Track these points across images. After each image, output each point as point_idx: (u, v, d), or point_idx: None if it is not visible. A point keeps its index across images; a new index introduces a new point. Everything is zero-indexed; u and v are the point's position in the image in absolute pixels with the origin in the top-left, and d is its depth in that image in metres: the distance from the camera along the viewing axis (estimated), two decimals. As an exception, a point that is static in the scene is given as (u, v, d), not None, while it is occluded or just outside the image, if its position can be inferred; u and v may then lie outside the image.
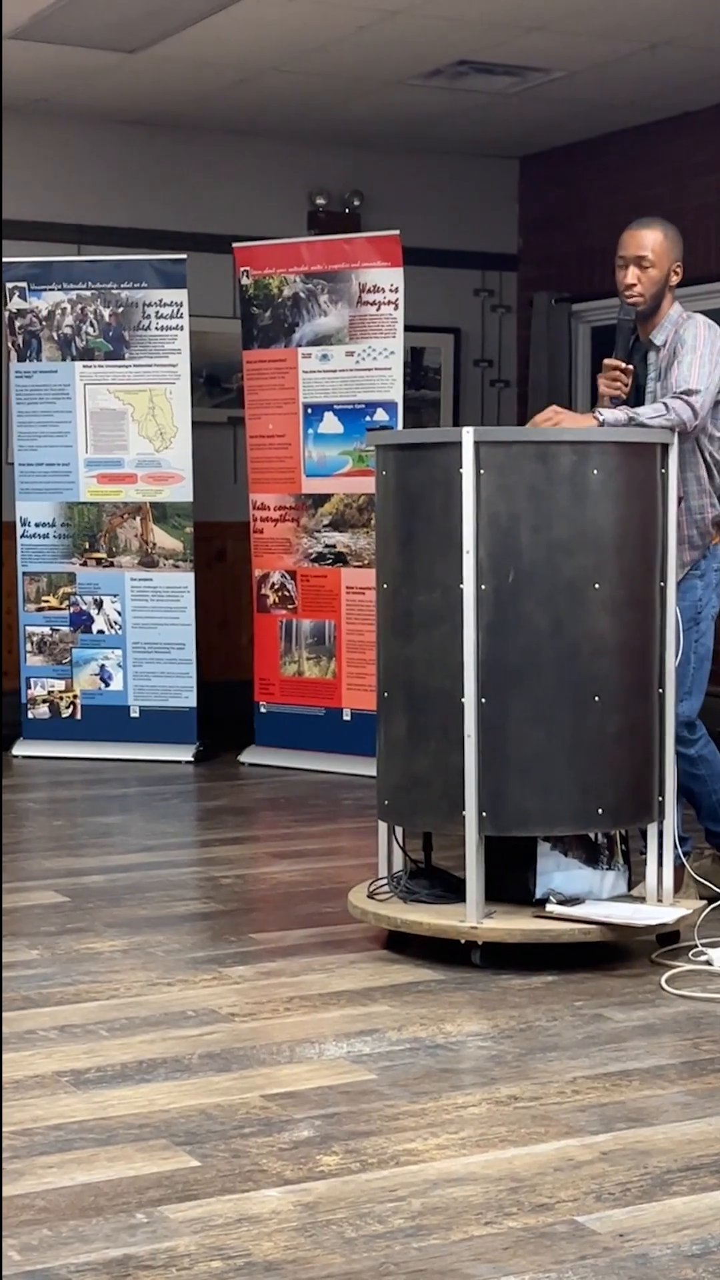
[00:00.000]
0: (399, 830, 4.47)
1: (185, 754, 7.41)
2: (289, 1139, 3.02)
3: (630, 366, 4.59)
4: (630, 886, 4.40)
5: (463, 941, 4.13)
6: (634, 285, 4.59)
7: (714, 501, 4.61)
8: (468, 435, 4.14)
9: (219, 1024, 3.69)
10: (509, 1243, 2.60)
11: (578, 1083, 3.33)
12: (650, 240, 4.59)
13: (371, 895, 4.41)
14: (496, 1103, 3.22)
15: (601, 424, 4.36)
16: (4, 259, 7.62)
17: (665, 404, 4.40)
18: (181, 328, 7.45)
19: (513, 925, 4.12)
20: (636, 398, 4.62)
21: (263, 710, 7.48)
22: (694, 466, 4.58)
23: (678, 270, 4.62)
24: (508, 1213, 2.71)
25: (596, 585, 4.16)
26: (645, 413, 4.39)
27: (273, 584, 7.46)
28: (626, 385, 4.55)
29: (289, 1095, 3.25)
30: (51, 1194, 2.78)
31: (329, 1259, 2.54)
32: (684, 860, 4.61)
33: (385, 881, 4.44)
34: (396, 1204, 2.74)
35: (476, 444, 4.13)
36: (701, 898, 4.56)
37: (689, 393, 4.41)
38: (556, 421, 4.40)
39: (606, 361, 4.62)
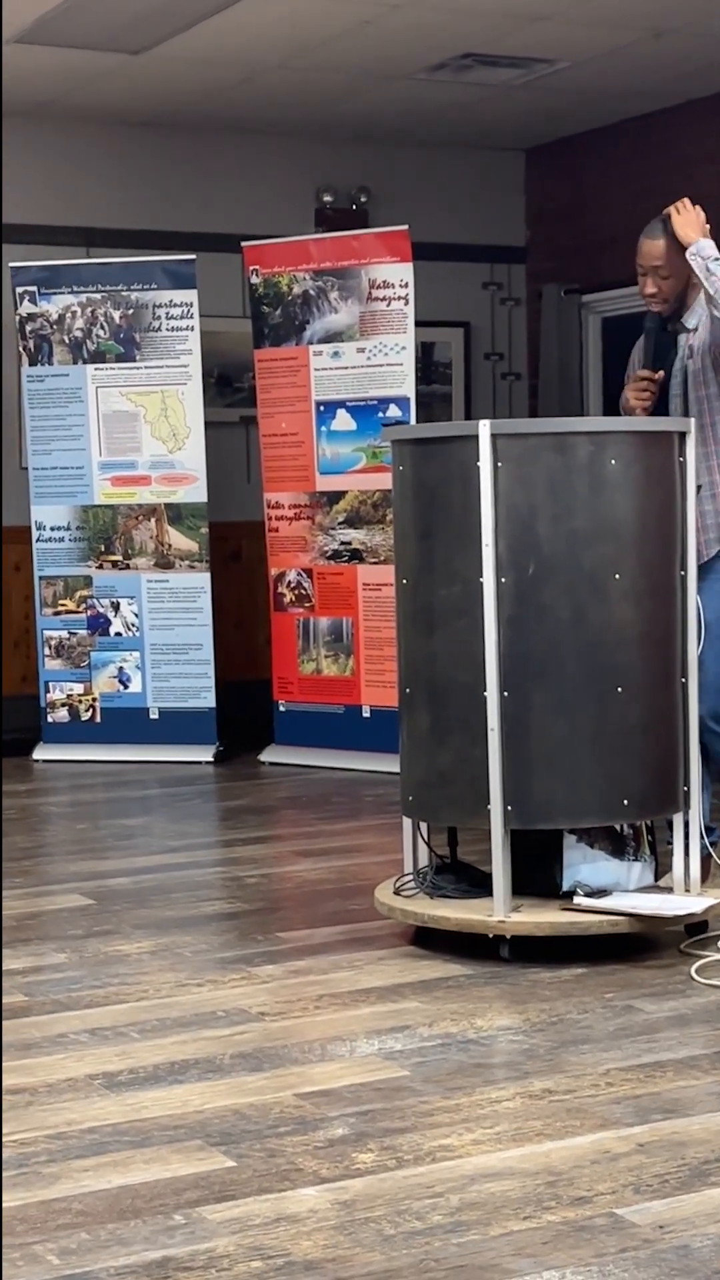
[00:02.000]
0: (424, 826, 4.46)
1: (205, 754, 7.41)
2: (324, 1137, 3.02)
3: (660, 374, 4.58)
4: (657, 877, 4.39)
5: (491, 936, 4.12)
6: (655, 294, 4.60)
7: None
8: (484, 428, 4.13)
9: (250, 1023, 3.69)
10: (549, 1237, 2.60)
11: (611, 1075, 3.32)
12: (662, 250, 4.58)
13: (398, 891, 4.40)
14: (530, 1096, 3.21)
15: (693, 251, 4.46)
16: (14, 264, 7.62)
17: None
18: (192, 328, 7.45)
19: (540, 918, 4.11)
20: (663, 397, 4.62)
21: (282, 709, 7.47)
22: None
23: None
24: (546, 1207, 2.71)
25: (617, 575, 4.15)
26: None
27: (289, 582, 7.45)
28: (655, 394, 4.55)
29: (323, 1094, 3.24)
30: (88, 1197, 2.77)
31: (369, 1256, 2.53)
32: (711, 850, 4.59)
33: (411, 877, 4.43)
34: (434, 1200, 2.74)
35: (493, 436, 4.12)
36: (729, 887, 4.54)
37: None
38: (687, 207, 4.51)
39: (638, 372, 4.61)
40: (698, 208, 4.56)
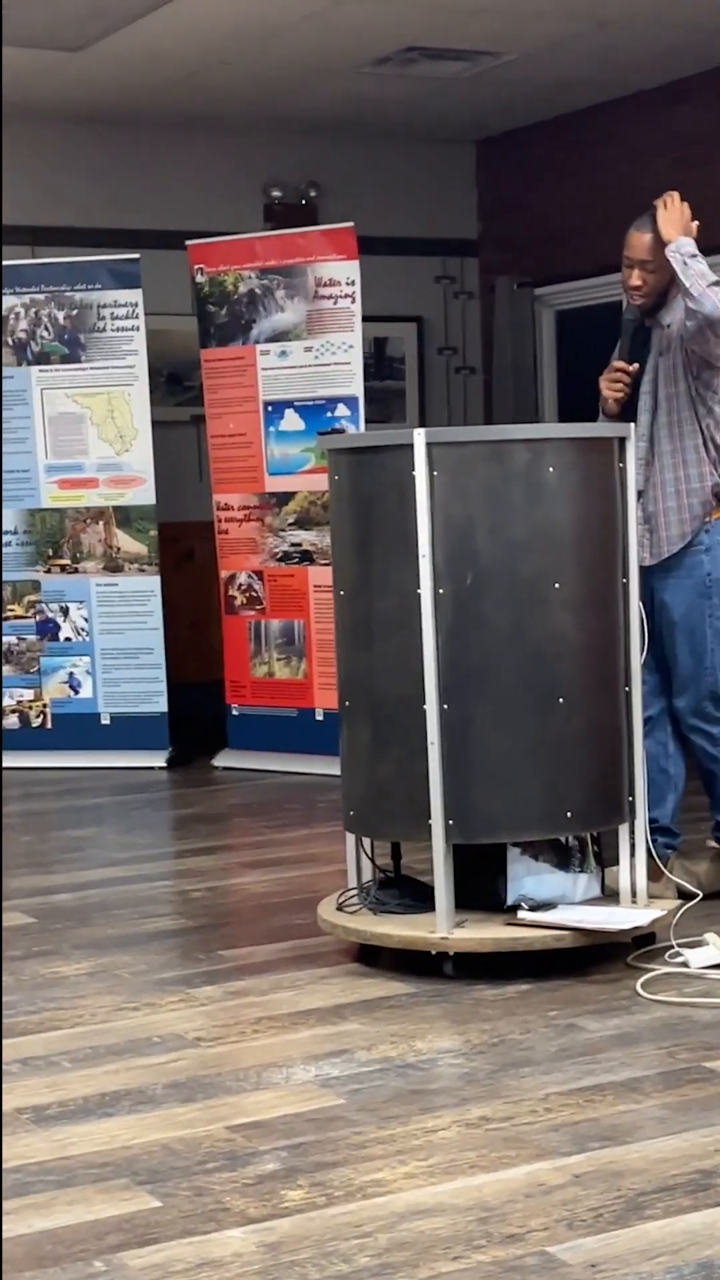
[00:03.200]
0: (367, 840, 4.40)
1: (158, 760, 7.33)
2: (253, 1173, 2.95)
3: (635, 367, 4.52)
4: (604, 887, 4.33)
5: (434, 953, 4.05)
6: (639, 287, 4.55)
7: (714, 470, 4.54)
8: (419, 437, 4.06)
9: (185, 1049, 3.62)
10: (477, 1278, 2.53)
11: (550, 1099, 3.26)
12: (649, 243, 4.52)
13: (341, 907, 4.33)
14: (467, 1125, 3.14)
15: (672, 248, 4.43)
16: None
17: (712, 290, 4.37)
18: (138, 328, 7.36)
19: (484, 934, 4.05)
20: (636, 388, 4.57)
21: (235, 713, 7.40)
22: (690, 435, 4.51)
23: None
24: (477, 1246, 2.64)
25: (557, 585, 4.08)
26: (703, 281, 4.38)
27: (240, 585, 7.37)
28: (628, 386, 4.50)
29: (254, 1125, 3.17)
30: (8, 1243, 2.70)
31: (292, 1304, 2.47)
32: (663, 855, 4.54)
33: (354, 893, 4.36)
34: (362, 1241, 2.67)
35: (429, 445, 4.05)
36: (680, 895, 4.49)
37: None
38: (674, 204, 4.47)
39: (613, 364, 4.55)
40: (684, 204, 4.50)
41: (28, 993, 4.07)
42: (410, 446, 4.06)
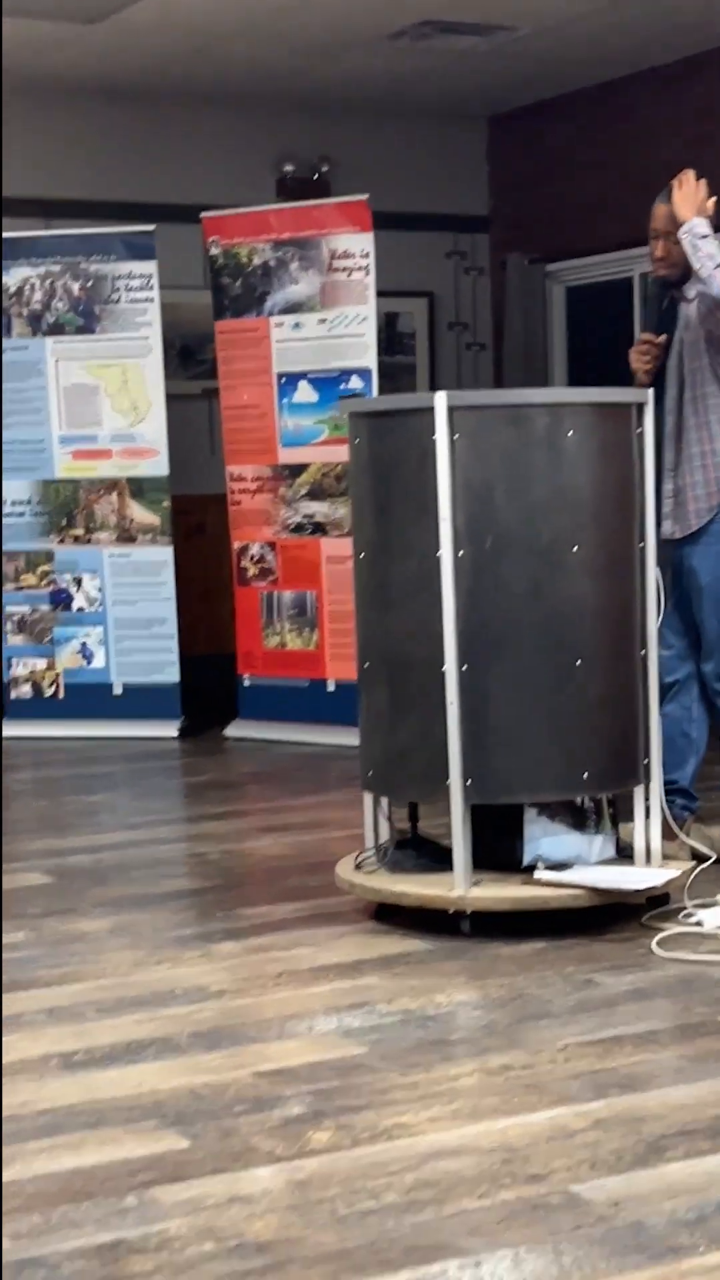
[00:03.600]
0: (384, 801, 4.45)
1: (170, 729, 7.38)
2: (280, 1116, 3.00)
3: (663, 338, 4.57)
4: (619, 848, 4.38)
5: (451, 911, 4.10)
6: (664, 258, 4.60)
7: None
8: (440, 400, 4.10)
9: (207, 1002, 3.67)
10: (503, 1215, 2.59)
11: (569, 1050, 3.31)
12: (672, 215, 4.56)
13: (358, 867, 4.38)
14: (488, 1073, 3.20)
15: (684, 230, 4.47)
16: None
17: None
18: (152, 300, 7.39)
19: (501, 893, 4.10)
20: (665, 360, 4.62)
21: (246, 683, 7.45)
22: (714, 409, 4.57)
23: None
24: (501, 1184, 2.70)
25: (575, 548, 4.13)
26: (711, 263, 4.42)
27: (252, 556, 7.42)
28: (656, 358, 4.54)
29: (279, 1072, 3.22)
30: (41, 1179, 2.75)
31: (321, 1237, 2.52)
32: (681, 817, 4.59)
33: (371, 853, 4.41)
34: (389, 1179, 2.72)
35: (450, 409, 4.09)
36: (693, 858, 4.54)
37: None
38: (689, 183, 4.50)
39: (641, 336, 4.60)
40: (701, 182, 4.54)
41: (49, 948, 4.13)
42: (431, 410, 4.10)
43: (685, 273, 4.61)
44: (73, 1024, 3.54)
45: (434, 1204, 2.63)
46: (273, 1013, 3.58)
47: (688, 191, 4.52)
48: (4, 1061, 3.31)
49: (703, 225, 4.48)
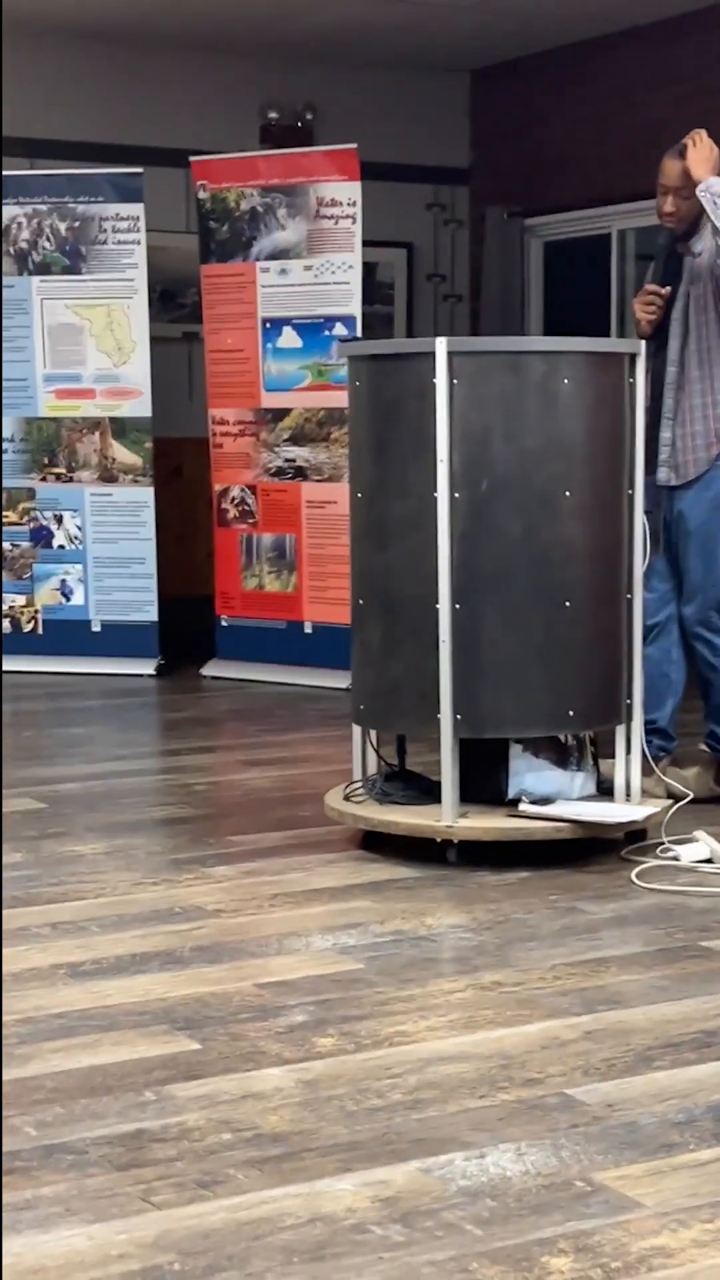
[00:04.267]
0: (373, 734, 4.58)
1: (147, 667, 7.48)
2: (285, 1023, 3.14)
3: (668, 290, 4.68)
4: (599, 784, 4.53)
5: (438, 840, 4.24)
6: (672, 213, 4.71)
7: None
8: (441, 345, 4.21)
9: (207, 919, 3.80)
10: (504, 1113, 2.73)
11: (557, 969, 3.46)
12: (684, 171, 4.68)
13: (347, 798, 4.51)
14: (481, 988, 3.34)
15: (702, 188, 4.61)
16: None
17: None
18: (139, 242, 7.46)
19: (487, 824, 4.24)
20: (668, 312, 4.73)
21: (224, 624, 7.56)
22: (719, 363, 4.69)
23: None
24: (500, 1087, 2.84)
25: (567, 493, 4.26)
26: None
27: (233, 498, 7.51)
28: (661, 309, 4.66)
29: (281, 984, 3.36)
30: (60, 1075, 2.88)
31: (333, 1130, 2.66)
32: (657, 756, 4.74)
33: (360, 784, 4.54)
34: (393, 1081, 2.87)
35: (450, 354, 4.20)
36: (669, 796, 4.69)
37: None
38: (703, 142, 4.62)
39: (647, 287, 4.71)
40: (710, 141, 4.66)
41: (48, 868, 4.25)
42: (432, 354, 4.21)
43: (691, 227, 4.73)
44: (78, 938, 3.67)
45: (437, 1103, 2.77)
46: (270, 930, 3.72)
47: (703, 150, 4.64)
48: (14, 970, 3.43)
49: (719, 183, 4.60)
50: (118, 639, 7.54)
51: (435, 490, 4.21)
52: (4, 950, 3.56)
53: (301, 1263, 2.24)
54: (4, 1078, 2.86)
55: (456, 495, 4.22)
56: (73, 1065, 2.93)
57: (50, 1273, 2.20)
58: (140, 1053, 2.99)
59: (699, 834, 4.34)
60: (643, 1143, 2.62)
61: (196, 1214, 2.37)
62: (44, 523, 7.61)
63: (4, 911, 3.83)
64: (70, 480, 7.58)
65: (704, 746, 4.98)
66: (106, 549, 7.57)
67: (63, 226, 7.50)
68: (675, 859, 4.27)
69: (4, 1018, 3.15)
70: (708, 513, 4.76)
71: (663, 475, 4.75)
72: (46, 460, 7.60)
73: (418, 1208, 2.40)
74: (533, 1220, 2.37)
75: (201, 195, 7.51)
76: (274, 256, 7.32)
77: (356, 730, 4.57)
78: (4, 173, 7.61)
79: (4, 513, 7.63)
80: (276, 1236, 2.31)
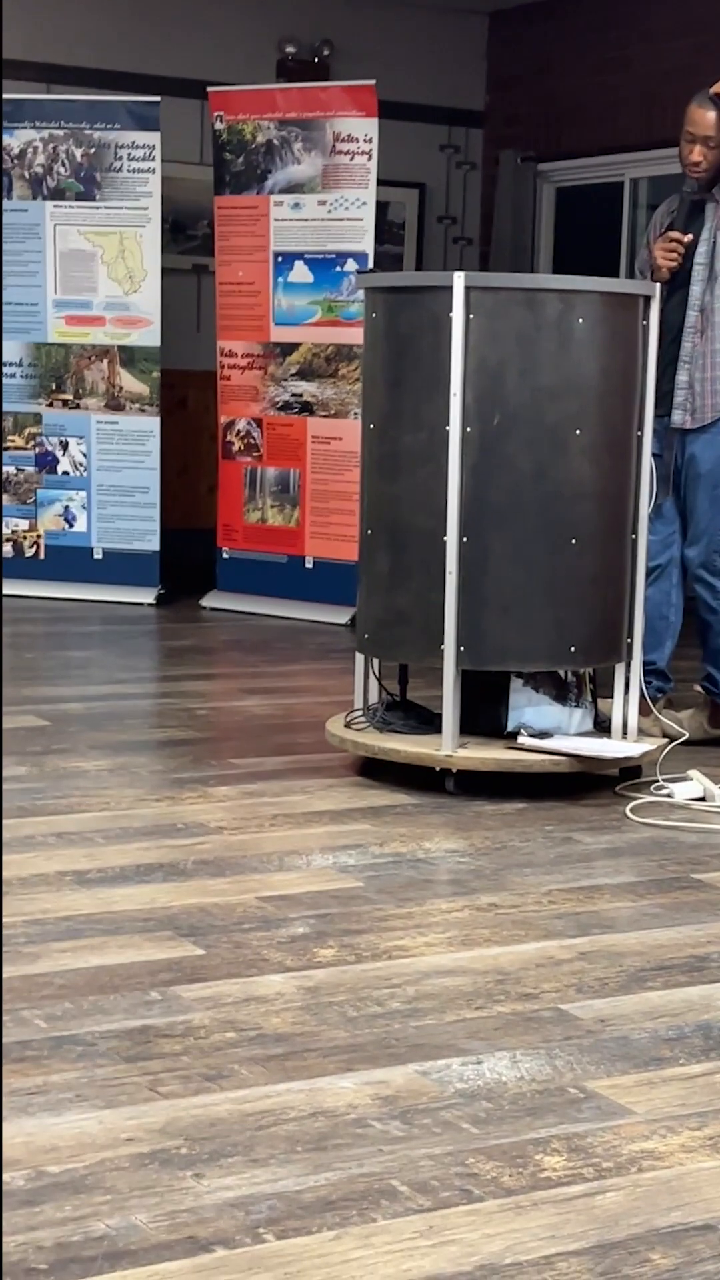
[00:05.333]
0: (376, 664, 4.64)
1: (147, 596, 7.53)
2: (286, 934, 3.21)
3: (689, 237, 4.71)
4: (596, 723, 4.60)
5: (438, 769, 4.31)
6: (699, 162, 4.73)
7: None
8: (459, 280, 4.25)
9: (209, 835, 3.87)
10: (499, 1024, 2.81)
11: (553, 894, 3.54)
12: (714, 121, 4.70)
13: (348, 725, 4.58)
14: (478, 909, 3.42)
15: None
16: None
17: None
18: (154, 171, 7.46)
19: (486, 755, 4.32)
20: (688, 259, 4.76)
21: (225, 556, 7.61)
22: None
23: None
24: (496, 1000, 2.92)
25: (578, 431, 4.31)
26: None
27: (239, 431, 7.55)
28: (681, 255, 4.68)
29: (283, 898, 3.44)
30: (68, 974, 2.95)
31: (334, 1033, 2.74)
32: (655, 697, 4.81)
33: (361, 713, 4.61)
34: (392, 990, 2.94)
35: (467, 289, 4.24)
36: (664, 736, 4.76)
37: None
38: None
39: (669, 234, 4.73)
40: None
41: (53, 781, 4.31)
42: (449, 289, 4.25)
43: (716, 175, 4.76)
44: (83, 847, 3.74)
45: (435, 1012, 2.85)
46: (272, 848, 3.79)
47: None
48: (21, 875, 3.51)
49: None
50: (119, 567, 7.59)
51: (447, 424, 4.26)
52: (11, 857, 3.63)
53: (304, 1151, 2.32)
54: (12, 974, 2.93)
55: (468, 429, 4.27)
56: (80, 965, 3.00)
57: (62, 1151, 2.28)
58: (146, 955, 3.06)
59: (693, 773, 4.42)
60: (634, 1055, 2.71)
61: (202, 1104, 2.45)
62: (49, 448, 7.64)
63: (9, 821, 3.90)
64: (77, 407, 7.61)
65: (699, 688, 5.05)
66: (111, 477, 7.61)
67: (78, 152, 7.50)
68: (669, 796, 4.34)
69: (11, 919, 3.22)
70: (718, 456, 4.81)
71: (678, 418, 4.80)
72: (54, 386, 7.62)
73: (416, 1106, 2.48)
74: (527, 1121, 2.45)
75: (218, 126, 7.51)
76: (288, 190, 7.33)
77: (359, 659, 4.64)
78: (22, 96, 7.60)
79: (10, 437, 7.66)
80: (280, 1127, 2.39)
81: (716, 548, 4.85)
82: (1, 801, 4.00)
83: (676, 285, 4.70)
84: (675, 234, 4.75)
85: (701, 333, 4.75)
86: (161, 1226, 2.10)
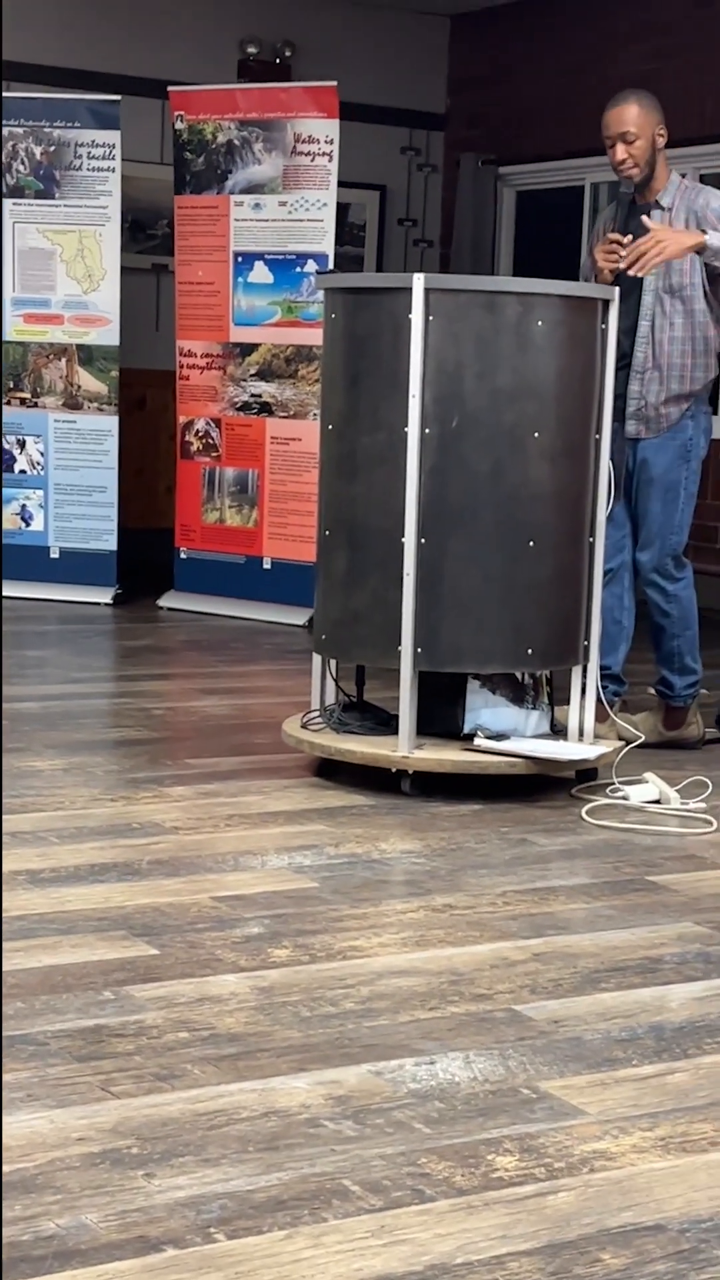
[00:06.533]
0: (333, 664, 4.64)
1: (104, 596, 7.51)
2: (241, 934, 3.21)
3: (629, 238, 4.69)
4: (553, 725, 4.61)
5: (394, 770, 4.31)
6: (625, 160, 4.73)
7: (716, 360, 4.80)
8: (418, 281, 4.25)
9: (164, 835, 3.86)
10: (453, 1025, 2.81)
11: (507, 895, 3.54)
12: (630, 115, 4.71)
13: (305, 726, 4.57)
14: (433, 910, 3.42)
15: (705, 246, 4.56)
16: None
17: None
18: (114, 170, 7.44)
19: (442, 756, 4.32)
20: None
21: (183, 556, 7.59)
22: (701, 327, 4.73)
23: (661, 133, 4.76)
24: (449, 1001, 2.92)
25: (536, 434, 4.32)
26: None
27: (197, 431, 7.53)
28: (623, 258, 4.67)
29: (237, 898, 3.43)
30: (21, 973, 2.94)
31: (287, 1033, 2.73)
32: (611, 701, 4.82)
33: (318, 713, 4.61)
34: (346, 990, 2.94)
35: (427, 291, 4.25)
36: (619, 738, 4.78)
37: None
38: (661, 243, 4.53)
39: (610, 235, 4.73)
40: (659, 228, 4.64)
41: (7, 781, 4.29)
42: (409, 290, 4.25)
43: (650, 169, 4.76)
44: (36, 846, 3.72)
45: (389, 1013, 2.85)
46: (227, 848, 3.78)
47: (663, 229, 4.61)
48: (-26, 874, 3.49)
49: (715, 238, 4.59)
50: (76, 566, 7.56)
51: (406, 425, 4.26)
52: (-37, 856, 3.61)
53: (256, 1151, 2.31)
54: (-35, 973, 2.92)
55: (427, 431, 4.27)
56: (33, 964, 2.99)
57: (12, 1151, 2.27)
58: (99, 955, 3.05)
59: (648, 775, 4.43)
60: (587, 1056, 2.71)
61: (154, 1104, 2.44)
62: (6, 447, 7.61)
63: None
64: (35, 405, 7.58)
65: (652, 691, 5.07)
66: (68, 476, 7.58)
67: (38, 150, 7.48)
68: (624, 799, 4.35)
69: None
70: (672, 460, 4.83)
71: (631, 429, 4.81)
72: (11, 384, 7.59)
73: (369, 1106, 2.47)
74: (479, 1122, 2.45)
75: (179, 126, 7.49)
76: (249, 190, 7.32)
77: (317, 659, 4.63)
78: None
79: (-33, 435, 7.62)
80: (232, 1127, 2.38)
81: (669, 552, 4.86)
82: (1, 801, 3.98)
83: (623, 293, 4.69)
84: (615, 235, 4.75)
85: (653, 342, 4.76)
86: (112, 1226, 2.09)
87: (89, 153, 7.46)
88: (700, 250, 4.61)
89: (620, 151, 4.77)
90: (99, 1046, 2.64)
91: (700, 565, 7.74)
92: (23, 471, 7.62)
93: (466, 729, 4.47)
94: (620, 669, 4.97)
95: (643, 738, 4.80)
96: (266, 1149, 2.32)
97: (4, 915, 3.26)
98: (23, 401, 7.60)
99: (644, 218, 4.66)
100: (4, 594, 7.46)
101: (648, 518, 4.85)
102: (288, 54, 9.01)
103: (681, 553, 4.89)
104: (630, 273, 4.60)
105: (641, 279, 4.71)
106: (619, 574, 4.91)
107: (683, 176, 4.92)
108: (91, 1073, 2.54)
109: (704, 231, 4.63)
